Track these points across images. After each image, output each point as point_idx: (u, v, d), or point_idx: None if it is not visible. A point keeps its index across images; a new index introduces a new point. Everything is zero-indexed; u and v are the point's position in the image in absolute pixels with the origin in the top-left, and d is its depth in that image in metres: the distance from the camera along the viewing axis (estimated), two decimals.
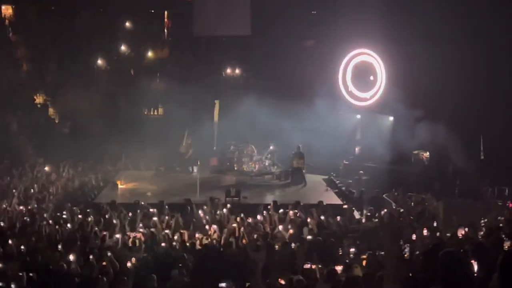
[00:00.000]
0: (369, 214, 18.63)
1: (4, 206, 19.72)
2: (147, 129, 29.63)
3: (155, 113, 34.81)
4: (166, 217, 18.30)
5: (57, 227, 16.51)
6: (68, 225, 16.84)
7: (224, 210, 19.18)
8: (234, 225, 16.63)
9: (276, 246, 14.96)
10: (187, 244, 15.12)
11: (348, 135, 30.43)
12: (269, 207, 19.23)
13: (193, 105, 31.19)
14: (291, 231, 16.29)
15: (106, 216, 18.40)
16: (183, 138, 28.08)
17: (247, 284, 10.09)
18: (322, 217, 18.14)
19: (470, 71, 24.68)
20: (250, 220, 17.77)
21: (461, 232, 13.99)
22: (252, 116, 30.11)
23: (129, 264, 13.15)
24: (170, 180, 27.16)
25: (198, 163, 23.33)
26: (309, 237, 15.66)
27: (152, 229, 16.23)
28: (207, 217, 18.24)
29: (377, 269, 10.05)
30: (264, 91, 29.70)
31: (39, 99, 34.22)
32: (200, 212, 18.77)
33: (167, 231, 16.33)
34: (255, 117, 29.90)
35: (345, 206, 20.71)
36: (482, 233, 14.34)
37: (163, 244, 14.83)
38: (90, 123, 30.42)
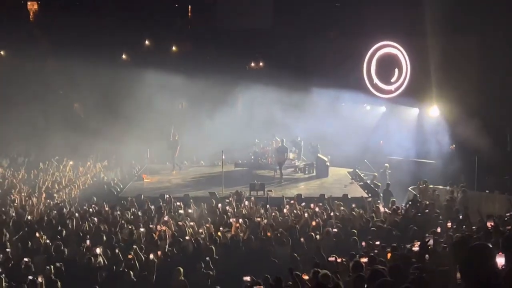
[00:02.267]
0: (395, 207, 18.51)
1: (32, 200, 19.95)
2: (170, 123, 29.91)
3: (180, 106, 35.10)
4: (191, 210, 18.41)
5: (83, 221, 16.65)
6: (95, 218, 16.99)
7: (247, 202, 19.26)
8: (258, 219, 16.66)
9: (301, 240, 14.97)
10: (212, 237, 15.16)
11: (372, 127, 30.29)
12: (292, 201, 19.21)
13: (216, 99, 31.42)
14: (314, 223, 16.27)
15: (132, 210, 18.54)
16: (170, 133, 27.64)
17: (271, 278, 10.08)
18: (347, 210, 18.12)
19: (497, 62, 24.35)
20: (274, 213, 17.79)
21: (489, 224, 13.82)
22: (274, 109, 30.14)
23: (154, 257, 13.22)
24: (194, 174, 27.44)
25: (223, 157, 23.36)
26: (334, 230, 15.63)
27: (178, 222, 16.31)
28: (231, 210, 18.29)
29: (402, 262, 10.00)
30: (287, 84, 29.70)
31: (65, 95, 34.79)
32: (225, 205, 18.83)
33: (192, 223, 16.40)
34: (277, 110, 29.95)
35: (370, 199, 20.63)
36: (510, 227, 14.15)
37: (187, 238, 14.89)
38: (112, 118, 30.98)
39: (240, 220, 16.44)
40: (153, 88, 31.01)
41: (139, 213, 17.99)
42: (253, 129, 30.33)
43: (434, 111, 27.13)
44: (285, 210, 18.13)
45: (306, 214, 17.28)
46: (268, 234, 15.40)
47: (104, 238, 15.19)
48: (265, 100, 30.43)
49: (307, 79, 30.18)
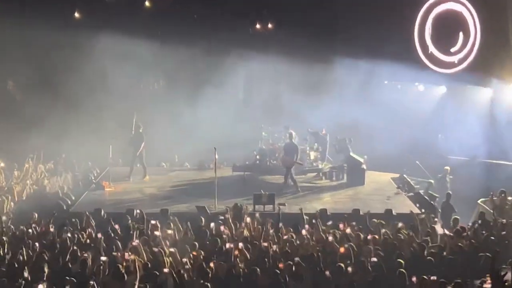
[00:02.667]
0: (459, 228, 18.47)
1: None
2: (149, 105, 30.01)
3: (155, 86, 35.20)
4: (171, 231, 18.40)
5: (20, 246, 16.59)
6: (36, 244, 16.95)
7: (249, 220, 19.22)
8: (266, 244, 16.64)
9: (327, 273, 14.95)
10: (201, 269, 15.16)
11: (427, 116, 30.22)
12: (313, 221, 19.18)
13: (204, 75, 31.54)
14: (343, 250, 16.26)
15: (88, 231, 18.52)
16: (132, 124, 27.61)
17: None
18: (391, 232, 18.09)
19: None
20: (288, 236, 17.79)
21: None
22: (283, 89, 30.23)
23: None
24: (176, 180, 27.42)
25: (216, 156, 23.34)
26: (374, 259, 15.61)
27: (153, 249, 16.29)
28: (228, 231, 18.26)
29: None
30: (302, 52, 29.76)
31: None
32: (219, 225, 18.81)
33: (172, 250, 16.41)
34: (287, 90, 30.03)
35: (424, 217, 20.59)
36: None
37: (166, 270, 14.89)
38: (60, 103, 31.08)
39: (240, 245, 16.41)
40: (117, 60, 31.02)
41: (98, 236, 17.97)
42: (255, 117, 30.38)
43: None
44: (304, 232, 18.08)
45: (330, 237, 17.24)
46: (280, 265, 15.37)
47: (47, 270, 15.18)
48: (271, 77, 30.54)
49: (332, 47, 30.15)
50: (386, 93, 30.66)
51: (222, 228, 18.51)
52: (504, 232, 17.93)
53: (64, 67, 32.21)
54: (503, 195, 22.21)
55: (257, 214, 20.36)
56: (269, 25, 35.01)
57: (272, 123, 29.25)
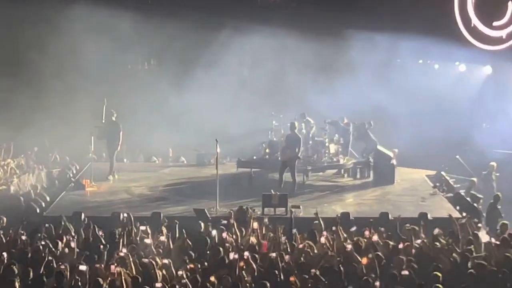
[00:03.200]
0: (506, 235, 18.41)
1: None
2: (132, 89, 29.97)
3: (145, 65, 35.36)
4: (164, 238, 18.41)
5: None
6: (4, 253, 16.96)
7: (257, 226, 19.17)
8: (273, 254, 16.63)
9: None
10: (201, 284, 15.16)
11: (469, 102, 30.15)
12: (333, 228, 19.13)
13: (198, 52, 31.59)
14: (365, 260, 16.24)
15: (67, 238, 18.52)
16: (102, 112, 27.22)
17: None
18: (426, 240, 18.05)
19: None
20: (304, 245, 17.77)
21: None
22: (289, 70, 30.30)
23: None
24: (170, 178, 27.45)
25: (218, 150, 23.30)
26: (405, 272, 15.58)
27: (144, 260, 16.28)
28: (232, 239, 18.26)
29: None
30: (312, 25, 29.80)
31: None
32: (221, 231, 18.79)
33: (166, 261, 16.41)
34: (293, 70, 30.09)
35: (465, 222, 20.53)
36: None
37: (159, 285, 14.87)
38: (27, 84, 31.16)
39: (246, 255, 16.39)
40: (92, 33, 31.07)
41: (78, 244, 17.99)
42: (256, 103, 30.43)
43: None
44: (322, 240, 18.07)
45: (349, 246, 17.20)
46: (291, 278, 15.34)
47: (18, 285, 15.19)
48: (275, 55, 30.60)
49: (348, 19, 30.02)
50: (415, 74, 30.60)
51: (224, 235, 18.49)
52: None
53: (30, 44, 32.23)
54: None
55: (265, 219, 20.28)
56: None
57: (277, 110, 29.04)
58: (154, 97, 31.53)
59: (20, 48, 32.14)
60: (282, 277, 15.55)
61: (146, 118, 30.41)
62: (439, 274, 15.51)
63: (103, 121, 27.01)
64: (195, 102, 29.90)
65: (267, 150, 28.07)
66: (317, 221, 19.81)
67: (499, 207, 22.25)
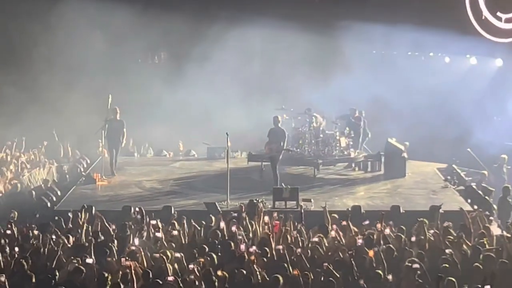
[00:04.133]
0: None
1: None
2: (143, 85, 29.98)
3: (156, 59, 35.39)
4: (176, 233, 18.42)
5: None
6: (16, 248, 16.97)
7: (267, 219, 19.16)
8: (279, 247, 16.64)
9: (361, 282, 14.92)
10: (210, 278, 15.16)
11: (480, 95, 30.06)
12: (343, 222, 19.12)
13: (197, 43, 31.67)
14: (371, 253, 16.25)
15: (79, 232, 18.56)
16: (107, 106, 26.95)
17: None
18: (439, 233, 18.03)
19: None
20: (315, 239, 17.80)
21: None
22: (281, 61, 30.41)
23: None
24: (181, 172, 27.48)
25: (228, 143, 23.31)
26: (416, 266, 15.57)
27: (155, 254, 16.29)
28: (242, 233, 18.26)
29: None
30: (307, 14, 29.89)
31: None
32: (232, 224, 18.80)
33: (178, 255, 16.44)
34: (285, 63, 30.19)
35: (476, 214, 20.50)
36: None
37: (171, 279, 14.90)
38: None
39: (253, 249, 16.40)
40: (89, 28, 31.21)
41: (90, 238, 18.00)
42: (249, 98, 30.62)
43: None
44: (333, 233, 18.06)
45: (360, 241, 17.20)
46: (295, 272, 15.31)
47: (33, 279, 15.23)
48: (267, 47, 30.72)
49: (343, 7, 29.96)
50: (425, 68, 30.66)
51: (234, 228, 18.50)
52: None
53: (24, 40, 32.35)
54: None
55: (274, 214, 20.20)
56: None
57: (279, 104, 28.96)
58: (159, 91, 31.46)
59: (16, 43, 32.39)
60: (291, 270, 15.52)
61: (151, 112, 30.37)
62: (449, 266, 15.51)
63: (108, 118, 26.63)
64: (202, 96, 29.96)
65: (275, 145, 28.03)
66: (334, 215, 19.87)
67: (509, 199, 22.23)
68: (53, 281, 15.24)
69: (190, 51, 32.20)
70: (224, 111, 29.27)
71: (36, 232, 18.54)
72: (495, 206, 22.38)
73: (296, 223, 18.99)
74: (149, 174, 27.22)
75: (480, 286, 14.05)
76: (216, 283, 14.97)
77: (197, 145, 31.25)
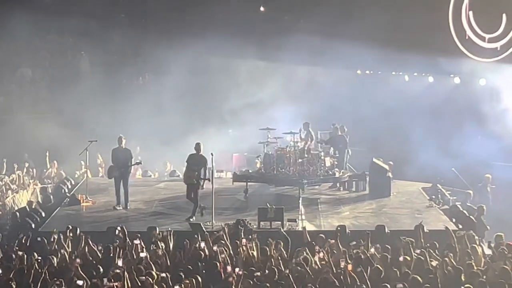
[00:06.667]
0: (503, 247, 18.46)
1: None
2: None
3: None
4: (160, 253, 18.43)
5: None
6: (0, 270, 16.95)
7: (244, 241, 19.11)
8: (258, 273, 16.71)
9: None
10: None
11: (465, 113, 30.17)
12: (331, 240, 19.16)
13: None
14: (350, 267, 16.40)
15: (61, 253, 18.54)
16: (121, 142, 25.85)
17: None
18: (421, 254, 18.09)
19: None
20: (298, 259, 17.78)
21: None
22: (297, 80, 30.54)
23: None
24: (166, 193, 27.51)
25: (212, 158, 23.36)
26: (400, 286, 15.63)
27: (141, 278, 16.25)
28: (225, 253, 18.25)
29: None
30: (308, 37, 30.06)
31: None
32: (218, 246, 18.81)
33: (163, 275, 16.42)
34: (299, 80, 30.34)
35: (462, 233, 20.58)
36: None
37: None
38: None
39: (239, 272, 16.44)
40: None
41: (76, 259, 18.00)
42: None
43: None
44: (320, 255, 18.09)
45: (343, 263, 17.15)
46: None
47: None
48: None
49: (347, 32, 30.12)
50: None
51: (215, 248, 18.50)
52: None
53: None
54: None
55: (254, 234, 20.06)
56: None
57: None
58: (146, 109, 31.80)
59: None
60: None
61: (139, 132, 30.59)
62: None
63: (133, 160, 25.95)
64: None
65: (262, 165, 28.14)
66: (321, 234, 19.96)
67: (483, 219, 22.57)
68: None
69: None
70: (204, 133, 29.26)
71: (20, 253, 18.56)
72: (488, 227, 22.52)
73: (280, 244, 18.99)
74: (134, 194, 27.04)
75: None
76: None
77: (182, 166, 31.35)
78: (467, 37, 29.34)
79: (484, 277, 16.34)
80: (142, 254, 18.10)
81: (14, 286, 15.88)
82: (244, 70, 33.15)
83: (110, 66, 34.43)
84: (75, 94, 32.89)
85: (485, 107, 28.79)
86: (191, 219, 23.32)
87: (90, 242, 19.32)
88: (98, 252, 18.76)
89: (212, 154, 23.53)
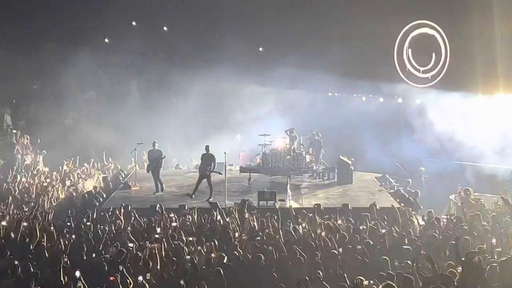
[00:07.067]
0: (433, 220, 18.48)
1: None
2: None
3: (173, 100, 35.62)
4: (188, 223, 18.49)
5: (59, 237, 16.50)
6: (73, 235, 16.98)
7: (247, 215, 19.19)
8: (240, 235, 16.92)
9: (317, 258, 14.94)
10: (212, 257, 15.15)
11: (402, 124, 30.19)
12: (310, 214, 19.18)
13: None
14: (323, 233, 16.59)
15: (117, 223, 18.63)
16: (154, 147, 26.20)
17: None
18: (375, 224, 18.09)
19: None
20: (287, 228, 17.76)
21: None
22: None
23: (144, 280, 13.21)
24: (192, 181, 27.47)
25: (225, 156, 23.56)
26: (359, 247, 15.64)
27: (176, 242, 16.27)
28: (235, 223, 18.25)
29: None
30: (292, 69, 30.29)
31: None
32: (229, 218, 18.82)
33: (190, 238, 16.56)
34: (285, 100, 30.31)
35: (403, 210, 20.57)
36: None
37: (188, 257, 14.93)
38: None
39: (245, 237, 16.53)
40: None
41: (128, 227, 18.05)
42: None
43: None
44: (303, 225, 18.13)
45: (319, 231, 17.23)
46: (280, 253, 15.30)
47: (85, 257, 15.22)
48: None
49: (318, 65, 29.91)
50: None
51: (228, 219, 18.57)
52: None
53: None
54: (468, 192, 21.88)
55: (255, 210, 20.16)
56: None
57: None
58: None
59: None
60: (275, 251, 15.51)
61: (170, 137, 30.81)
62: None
63: (162, 157, 25.99)
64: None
65: (261, 160, 28.15)
66: (303, 210, 20.22)
67: (418, 200, 22.92)
68: (102, 258, 15.23)
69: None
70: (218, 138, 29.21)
71: (88, 223, 18.60)
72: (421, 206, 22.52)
73: (274, 217, 18.96)
74: (169, 182, 27.13)
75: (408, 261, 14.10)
76: (217, 261, 15.00)
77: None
78: (407, 69, 29.37)
79: (420, 241, 16.36)
80: (174, 224, 18.14)
81: (84, 246, 15.89)
82: (246, 93, 33.28)
83: (150, 90, 34.93)
84: (126, 110, 33.12)
85: (416, 120, 28.84)
86: (210, 199, 23.44)
87: (137, 215, 19.47)
88: (143, 223, 18.81)
89: (225, 153, 23.88)
